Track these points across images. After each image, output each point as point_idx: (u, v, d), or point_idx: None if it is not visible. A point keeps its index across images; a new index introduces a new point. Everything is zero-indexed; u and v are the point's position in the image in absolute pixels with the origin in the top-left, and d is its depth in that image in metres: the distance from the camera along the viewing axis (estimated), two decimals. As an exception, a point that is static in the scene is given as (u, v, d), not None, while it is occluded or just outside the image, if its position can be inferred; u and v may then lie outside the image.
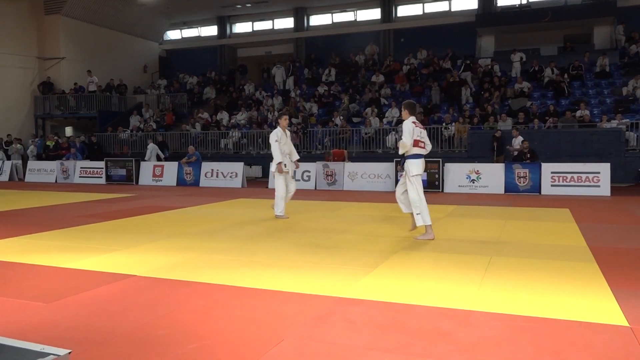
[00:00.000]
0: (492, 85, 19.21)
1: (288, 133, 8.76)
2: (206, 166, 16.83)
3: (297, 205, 11.18)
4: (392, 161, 14.37)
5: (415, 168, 6.60)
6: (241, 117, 21.55)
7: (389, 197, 11.56)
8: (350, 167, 15.11)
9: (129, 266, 5.42)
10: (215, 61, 27.57)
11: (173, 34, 28.97)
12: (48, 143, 21.25)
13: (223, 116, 21.97)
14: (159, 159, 18.40)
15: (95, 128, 23.31)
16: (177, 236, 7.16)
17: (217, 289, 4.58)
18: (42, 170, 18.95)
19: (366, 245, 6.54)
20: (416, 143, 6.57)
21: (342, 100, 20.54)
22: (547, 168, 13.21)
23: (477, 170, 13.71)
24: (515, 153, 14.33)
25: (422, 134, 6.61)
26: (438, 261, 5.60)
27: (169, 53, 28.65)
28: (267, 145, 19.42)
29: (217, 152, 20.17)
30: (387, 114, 19.24)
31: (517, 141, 15.05)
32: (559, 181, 13.08)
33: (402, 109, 6.65)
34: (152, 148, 18.57)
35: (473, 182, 13.74)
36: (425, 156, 6.74)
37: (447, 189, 13.87)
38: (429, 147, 6.70)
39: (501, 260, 5.63)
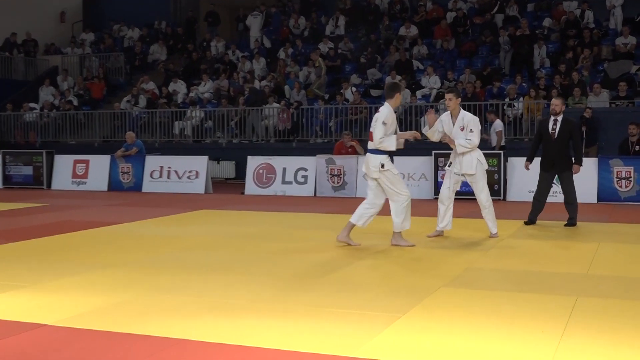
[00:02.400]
0: (581, 42, 19.28)
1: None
2: (152, 162, 16.92)
3: (286, 218, 11.22)
4: (431, 154, 14.41)
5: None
6: (205, 88, 21.65)
7: (427, 207, 11.59)
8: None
9: (38, 311, 5.43)
10: (167, 6, 27.70)
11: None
12: None
13: (178, 87, 22.07)
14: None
15: (-12, 105, 23.42)
16: (110, 267, 7.19)
17: (170, 346, 4.61)
18: None
19: (390, 280, 6.56)
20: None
21: (315, 62, 20.50)
22: (661, 165, 13.26)
23: (528, 167, 13.71)
24: (495, 147, 14.36)
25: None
26: (498, 304, 5.62)
27: (98, -7, 28.79)
28: (244, 130, 19.49)
29: (170, 141, 20.26)
30: (423, 84, 19.30)
31: (496, 127, 15.13)
32: (680, 184, 13.16)
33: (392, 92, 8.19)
34: None
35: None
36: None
37: (511, 196, 13.89)
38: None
39: (592, 302, 5.65)
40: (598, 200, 13.35)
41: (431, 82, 19.13)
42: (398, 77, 19.24)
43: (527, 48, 19.52)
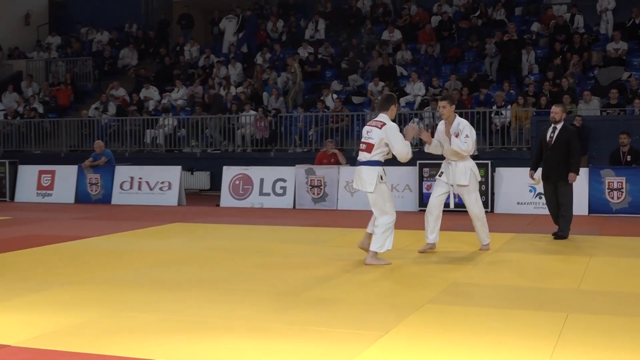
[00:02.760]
0: (570, 47, 19.49)
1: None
2: (122, 172, 16.85)
3: (264, 232, 11.21)
4: (415, 164, 14.48)
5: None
6: (178, 95, 21.62)
7: (412, 219, 11.63)
8: (348, 173, 15.17)
9: (0, 331, 5.39)
10: (138, 8, 27.63)
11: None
12: None
13: (150, 94, 22.01)
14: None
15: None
16: (77, 283, 7.15)
17: (139, 367, 4.57)
18: None
19: (373, 296, 6.57)
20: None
21: (291, 68, 20.52)
22: (654, 175, 13.41)
23: (533, 177, 13.81)
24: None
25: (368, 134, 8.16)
26: (485, 321, 5.64)
27: (65, -5, 28.67)
28: (219, 139, 19.43)
29: (141, 151, 20.18)
30: (407, 91, 19.39)
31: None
32: (672, 196, 13.30)
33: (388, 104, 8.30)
34: None
35: (540, 197, 13.84)
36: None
37: (499, 208, 13.98)
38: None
39: (583, 319, 5.69)
40: (589, 212, 13.46)
41: (415, 88, 19.22)
42: (381, 84, 19.33)
43: (515, 54, 19.68)
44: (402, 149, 7.93)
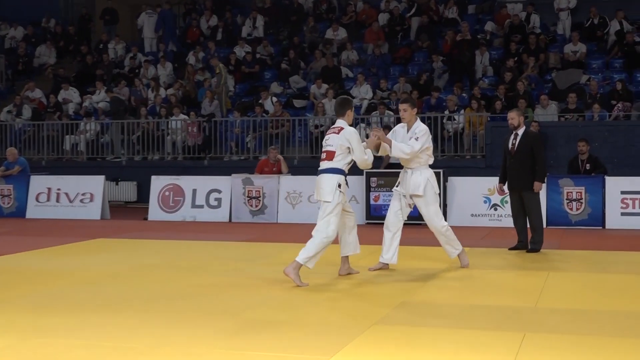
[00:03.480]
0: (526, 48, 19.87)
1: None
2: (38, 183, 16.56)
3: (197, 248, 11.13)
4: (362, 173, 14.54)
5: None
6: (101, 97, 21.34)
7: (361, 233, 11.66)
8: (289, 183, 15.19)
9: None
10: (57, 1, 27.21)
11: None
12: None
13: (69, 96, 21.68)
14: None
15: None
16: (-14, 306, 6.99)
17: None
18: None
19: (318, 318, 6.58)
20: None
21: (215, 70, 20.46)
22: (614, 185, 13.73)
23: (502, 189, 14.04)
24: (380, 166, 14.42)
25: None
26: (437, 342, 5.70)
27: (-26, -15, 28.09)
28: (147, 146, 19.27)
29: (59, 159, 19.85)
30: (353, 94, 19.48)
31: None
32: (633, 207, 13.63)
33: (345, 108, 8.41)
34: None
35: (495, 209, 14.11)
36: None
37: (452, 220, 14.04)
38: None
39: (541, 338, 5.79)
40: (547, 225, 13.63)
41: (362, 91, 19.34)
42: (324, 86, 19.40)
43: (468, 55, 19.93)
44: (362, 155, 8.07)
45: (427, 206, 8.73)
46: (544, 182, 10.38)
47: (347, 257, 8.46)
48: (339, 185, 7.98)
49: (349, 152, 8.04)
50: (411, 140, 8.60)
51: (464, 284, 8.17)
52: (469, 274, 8.73)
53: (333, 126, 8.31)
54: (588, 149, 14.09)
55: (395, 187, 8.93)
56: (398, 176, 8.99)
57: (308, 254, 7.89)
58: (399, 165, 9.33)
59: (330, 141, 8.12)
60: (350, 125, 8.22)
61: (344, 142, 8.00)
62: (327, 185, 8.00)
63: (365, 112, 18.59)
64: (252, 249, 11.28)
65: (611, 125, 16.53)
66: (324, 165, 8.14)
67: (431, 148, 8.86)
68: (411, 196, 8.75)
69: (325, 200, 8.01)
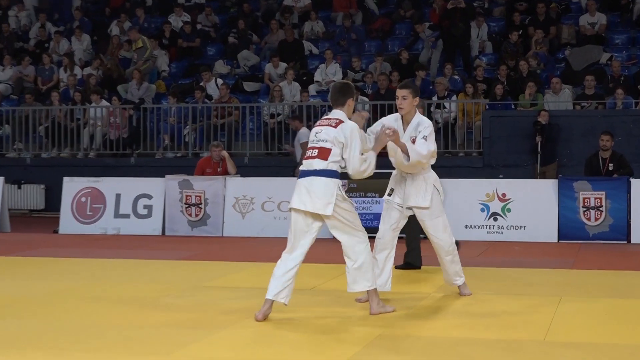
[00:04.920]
0: (534, 19, 19.92)
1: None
2: None
3: (120, 269, 11.02)
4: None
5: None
6: (4, 76, 21.17)
7: (329, 247, 11.62)
8: (238, 187, 15.15)
9: None
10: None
11: None
12: None
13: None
14: None
15: None
16: None
17: None
18: None
19: (277, 356, 6.50)
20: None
21: (136, 43, 20.42)
22: (642, 188, 13.78)
23: (503, 195, 14.11)
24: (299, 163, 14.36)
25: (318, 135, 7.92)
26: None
27: None
28: (58, 141, 19.08)
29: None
30: (317, 76, 19.44)
31: (300, 138, 15.67)
32: (665, 216, 13.66)
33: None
34: None
35: (494, 219, 14.12)
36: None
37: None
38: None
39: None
40: (559, 239, 13.70)
41: (329, 72, 19.28)
42: (283, 65, 19.34)
43: (462, 27, 19.84)
44: (359, 162, 7.70)
45: (432, 219, 8.58)
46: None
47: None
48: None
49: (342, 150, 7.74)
50: (419, 141, 8.29)
51: (458, 313, 8.11)
52: (464, 301, 8.68)
53: (327, 116, 8.01)
54: (612, 145, 14.10)
55: (387, 196, 8.65)
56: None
57: (368, 280, 7.81)
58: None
59: (324, 135, 7.75)
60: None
61: (342, 138, 7.68)
62: (324, 193, 7.62)
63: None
64: (190, 269, 11.19)
65: (638, 115, 16.67)
66: (315, 165, 7.71)
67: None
68: (411, 208, 8.54)
69: (325, 214, 7.61)
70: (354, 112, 8.10)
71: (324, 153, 7.71)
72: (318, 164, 7.70)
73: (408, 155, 8.12)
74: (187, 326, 7.49)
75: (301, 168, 7.85)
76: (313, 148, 7.82)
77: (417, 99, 8.54)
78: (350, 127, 7.72)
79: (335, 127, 7.74)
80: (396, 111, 8.62)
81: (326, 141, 7.72)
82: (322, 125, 7.90)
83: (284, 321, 7.70)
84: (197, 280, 10.09)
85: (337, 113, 7.90)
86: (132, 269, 11.18)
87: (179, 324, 7.57)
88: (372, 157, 7.82)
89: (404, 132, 8.39)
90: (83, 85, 19.90)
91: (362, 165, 7.70)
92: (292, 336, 7.27)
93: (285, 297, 7.50)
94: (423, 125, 8.37)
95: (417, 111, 8.57)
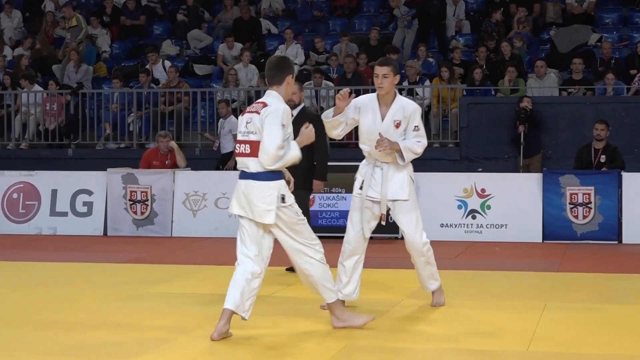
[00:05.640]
0: (515, -4, 20.03)
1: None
2: None
3: (57, 273, 10.96)
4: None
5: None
6: None
7: (280, 251, 11.63)
8: (188, 181, 15.19)
9: None
10: None
11: None
12: None
13: None
14: None
15: None
16: None
17: None
18: None
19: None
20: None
21: (70, 22, 20.31)
22: (635, 184, 13.86)
23: (482, 190, 14.24)
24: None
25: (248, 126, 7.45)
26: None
27: None
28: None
29: None
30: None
31: (232, 128, 15.58)
32: (660, 214, 13.80)
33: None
34: None
35: (473, 217, 14.21)
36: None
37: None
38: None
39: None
40: (543, 239, 13.81)
41: (290, 53, 19.25)
42: (238, 46, 19.32)
43: (437, 4, 19.88)
44: (272, 146, 7.19)
45: (407, 212, 8.41)
46: (325, 180, 10.33)
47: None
48: (283, 199, 7.28)
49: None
50: (412, 138, 8.17)
51: (433, 321, 8.14)
52: (439, 308, 8.68)
53: (258, 100, 7.67)
54: (607, 135, 14.17)
55: (357, 191, 8.33)
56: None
57: (328, 286, 7.58)
58: None
59: (252, 126, 7.32)
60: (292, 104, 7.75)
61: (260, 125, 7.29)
62: (262, 199, 7.28)
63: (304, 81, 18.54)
64: (136, 273, 11.15)
65: (630, 102, 16.78)
66: (250, 165, 7.33)
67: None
68: (389, 202, 8.33)
69: (266, 222, 7.31)
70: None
71: (255, 149, 7.31)
72: (253, 165, 7.33)
73: (402, 156, 8.06)
74: (121, 341, 7.36)
75: (238, 166, 7.51)
76: (244, 142, 7.40)
77: (398, 77, 8.31)
78: (273, 111, 7.27)
79: (259, 113, 7.33)
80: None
81: (254, 133, 7.32)
82: (250, 112, 7.48)
83: (238, 336, 7.67)
84: (140, 287, 10.04)
85: (269, 95, 7.48)
86: (69, 273, 11.14)
87: (113, 341, 7.41)
88: (294, 146, 7.41)
89: (383, 117, 8.16)
90: (13, 68, 19.72)
91: (273, 153, 7.21)
92: (245, 353, 7.25)
93: (247, 310, 7.24)
94: (409, 111, 8.21)
95: (396, 92, 8.33)
